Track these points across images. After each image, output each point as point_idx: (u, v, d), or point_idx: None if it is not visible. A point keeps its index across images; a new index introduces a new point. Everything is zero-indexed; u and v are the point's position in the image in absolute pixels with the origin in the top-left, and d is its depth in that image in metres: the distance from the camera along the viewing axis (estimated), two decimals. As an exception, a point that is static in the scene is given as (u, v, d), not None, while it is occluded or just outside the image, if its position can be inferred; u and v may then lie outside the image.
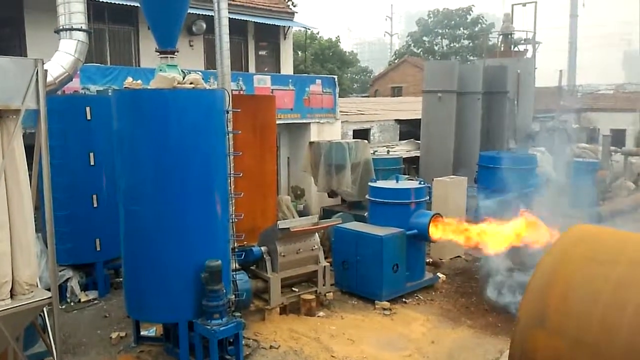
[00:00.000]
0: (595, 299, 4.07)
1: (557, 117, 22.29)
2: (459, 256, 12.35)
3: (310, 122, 15.75)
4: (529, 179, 12.85)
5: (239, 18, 15.52)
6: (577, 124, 25.40)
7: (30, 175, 5.42)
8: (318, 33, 41.12)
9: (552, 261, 4.48)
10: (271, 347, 7.89)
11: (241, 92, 13.41)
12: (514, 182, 11.69)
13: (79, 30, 7.37)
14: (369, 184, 10.82)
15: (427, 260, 11.36)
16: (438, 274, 10.99)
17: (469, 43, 45.11)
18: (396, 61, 44.41)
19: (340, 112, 17.42)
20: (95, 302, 9.64)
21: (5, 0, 11.96)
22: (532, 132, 19.10)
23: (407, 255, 9.82)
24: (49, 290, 5.49)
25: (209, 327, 6.91)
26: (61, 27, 7.53)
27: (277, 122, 12.85)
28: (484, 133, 16.49)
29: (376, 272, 9.50)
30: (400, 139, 20.79)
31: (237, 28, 15.68)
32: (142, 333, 8.01)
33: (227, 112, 7.58)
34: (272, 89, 14.55)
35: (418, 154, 17.20)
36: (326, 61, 38.31)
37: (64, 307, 9.16)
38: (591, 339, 4.00)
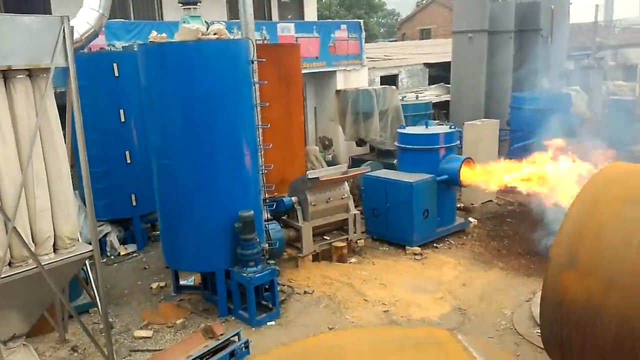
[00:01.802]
0: (628, 240, 4.01)
1: (593, 55, 21.36)
2: (490, 200, 12.26)
3: (336, 70, 15.51)
4: (563, 119, 12.49)
5: (260, -36, 15.13)
6: (613, 61, 24.32)
7: (63, 133, 5.54)
8: (343, -23, 39.92)
9: (584, 202, 4.40)
10: (305, 292, 8.11)
11: (265, 42, 13.22)
12: (547, 123, 11.39)
13: (103, -16, 7.35)
14: (398, 130, 10.71)
15: (458, 205, 11.32)
16: (469, 218, 10.97)
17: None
18: (424, 2, 42.89)
19: (367, 58, 17.05)
20: (135, 254, 10.00)
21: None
22: (567, 70, 18.40)
23: (437, 200, 9.79)
24: (90, 244, 5.71)
25: (244, 274, 7.12)
26: (84, -17, 7.50)
27: (303, 71, 12.70)
28: (516, 73, 15.95)
29: (406, 218, 9.54)
30: (429, 84, 20.35)
31: (259, -25, 15.33)
32: (181, 282, 8.32)
33: (252, 62, 7.52)
34: (296, 37, 14.29)
35: (448, 99, 16.84)
36: (352, 7, 37.32)
37: (104, 260, 9.53)
38: (623, 280, 3.97)
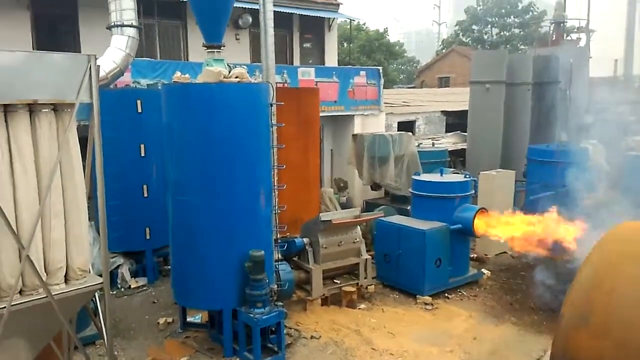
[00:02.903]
0: (644, 300, 3.93)
1: (612, 109, 21.34)
2: (505, 252, 12.11)
3: (354, 115, 15.74)
4: (580, 174, 12.42)
5: (284, 11, 15.61)
6: (632, 115, 24.24)
7: (83, 166, 5.68)
8: (364, 24, 40.89)
9: (598, 260, 4.35)
10: (312, 337, 8.00)
11: (285, 85, 13.52)
12: (564, 177, 11.33)
13: (130, 26, 7.64)
14: (413, 176, 10.74)
15: (472, 255, 11.21)
16: (482, 270, 10.83)
17: (520, 31, 43.82)
18: (444, 51, 43.65)
19: (385, 103, 17.30)
20: (145, 288, 10.01)
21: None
22: (585, 124, 18.38)
23: (450, 250, 9.71)
24: (100, 276, 5.76)
25: (252, 315, 7.07)
26: (113, 24, 7.82)
27: (321, 114, 12.92)
28: (533, 125, 16.00)
29: (418, 266, 9.45)
30: (446, 131, 20.47)
31: (282, 21, 15.80)
32: (188, 319, 8.29)
33: (272, 105, 7.69)
34: (316, 81, 14.60)
35: (465, 147, 16.90)
36: (373, 52, 38.05)
37: (114, 292, 9.57)
38: (637, 342, 3.87)
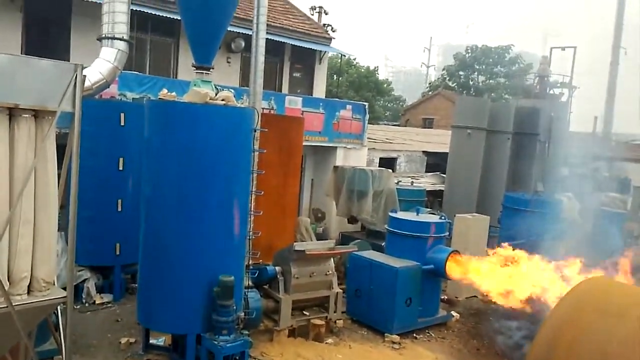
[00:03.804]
0: (602, 352, 3.98)
1: (589, 164, 21.88)
2: (475, 296, 12.14)
3: (337, 147, 15.86)
4: (553, 224, 12.63)
5: (277, 39, 15.81)
6: (608, 172, 24.87)
7: (59, 175, 5.59)
8: (355, 59, 41.53)
9: (563, 312, 4.41)
10: (276, 368, 7.86)
11: (272, 111, 13.61)
12: (537, 226, 11.51)
13: (120, 39, 7.64)
14: (389, 213, 10.79)
15: (442, 297, 11.20)
16: (452, 312, 10.82)
17: (505, 81, 44.93)
18: (430, 93, 44.48)
19: (369, 139, 17.48)
20: (109, 305, 9.76)
21: (56, 2, 12.44)
22: (562, 176, 18.78)
23: (421, 290, 9.70)
24: (65, 289, 5.60)
25: (216, 342, 6.93)
26: (104, 36, 7.82)
27: (305, 143, 12.99)
28: (511, 173, 16.30)
29: (388, 303, 9.41)
30: (426, 171, 20.72)
31: (274, 48, 15.99)
32: (151, 341, 8.07)
33: (255, 131, 7.71)
34: (303, 111, 14.72)
35: (443, 188, 17.09)
36: (361, 88, 38.59)
37: (78, 307, 9.30)
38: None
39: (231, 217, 7.33)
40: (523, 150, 16.44)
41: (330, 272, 9.29)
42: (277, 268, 8.91)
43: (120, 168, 9.77)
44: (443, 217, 10.53)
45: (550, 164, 17.50)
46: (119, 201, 9.82)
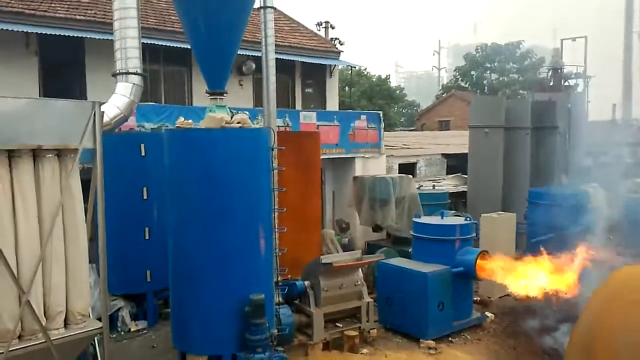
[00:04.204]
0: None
1: (611, 152, 21.52)
2: (508, 294, 11.96)
3: (355, 157, 15.88)
4: (581, 216, 12.43)
5: (286, 58, 15.99)
6: (631, 158, 24.40)
7: (85, 208, 5.75)
8: (366, 69, 41.71)
9: (598, 305, 4.34)
10: (313, 383, 7.85)
11: (287, 129, 13.73)
12: (564, 219, 11.34)
13: (135, 74, 7.84)
14: (413, 219, 10.76)
15: (475, 298, 11.08)
16: (486, 312, 10.69)
17: (518, 77, 44.54)
18: (443, 95, 44.32)
19: (386, 146, 17.47)
20: (145, 332, 9.89)
21: (69, 44, 12.83)
22: (585, 167, 18.50)
23: (453, 293, 9.62)
24: (100, 320, 5.73)
25: (251, 361, 6.97)
26: (118, 71, 8.03)
27: (322, 157, 13.06)
28: (533, 168, 16.12)
29: (421, 309, 9.35)
30: (447, 174, 20.59)
31: (285, 67, 16.17)
32: (187, 365, 8.14)
33: (273, 149, 7.81)
34: (318, 125, 14.80)
35: (465, 189, 16.97)
36: (374, 97, 38.68)
37: (114, 336, 9.44)
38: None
39: (256, 237, 7.39)
40: (543, 144, 16.26)
41: (359, 282, 9.28)
42: (306, 282, 8.94)
43: (145, 197, 9.95)
44: (468, 219, 10.45)
45: (572, 155, 17.27)
46: (146, 229, 9.99)
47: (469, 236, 10.09)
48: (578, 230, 11.01)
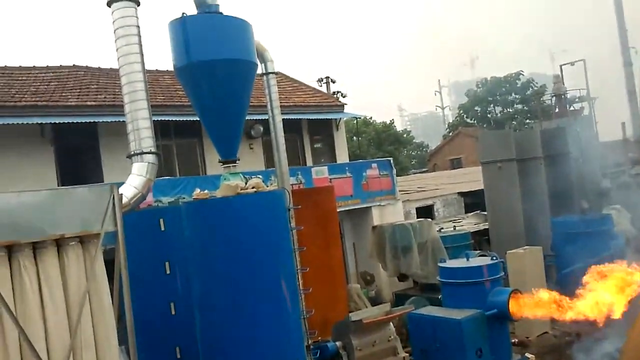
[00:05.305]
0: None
1: (628, 171, 21.28)
2: (546, 332, 11.58)
3: (371, 206, 15.84)
4: (609, 241, 12.18)
5: (293, 118, 16.28)
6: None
7: (111, 291, 5.73)
8: (371, 118, 42.27)
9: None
10: None
11: (300, 186, 13.81)
12: (593, 246, 11.12)
13: (149, 153, 7.99)
14: (439, 264, 10.58)
15: (513, 340, 10.71)
16: (526, 354, 10.31)
17: (523, 107, 44.79)
18: (450, 134, 44.57)
19: (401, 191, 17.45)
20: (178, 411, 9.61)
21: (83, 131, 13.22)
22: (604, 189, 18.26)
23: (489, 337, 9.31)
24: (133, 404, 5.60)
25: None
26: (132, 153, 8.20)
27: (338, 209, 13.03)
28: (552, 197, 15.92)
29: (458, 358, 9.04)
30: (465, 212, 20.40)
31: (292, 126, 16.44)
32: None
33: (289, 210, 7.82)
34: (330, 178, 14.88)
35: (487, 226, 16.75)
36: (382, 143, 39.00)
37: (148, 419, 9.19)
38: None
39: (282, 301, 7.29)
40: (558, 172, 16.13)
41: (392, 337, 9.05)
42: (338, 343, 8.74)
43: (167, 272, 9.91)
44: (494, 257, 10.26)
45: (588, 179, 17.08)
46: (172, 304, 9.89)
47: (498, 276, 9.87)
48: (609, 256, 10.76)
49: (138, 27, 6.76)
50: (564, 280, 10.65)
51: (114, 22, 6.70)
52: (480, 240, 16.61)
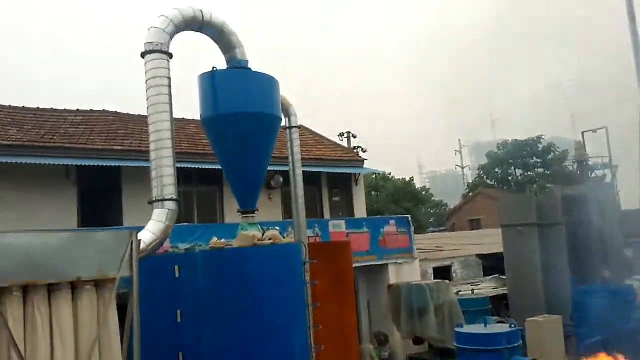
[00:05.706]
0: None
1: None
2: (566, 405, 11.07)
3: (387, 263, 15.61)
4: (631, 312, 11.77)
5: (313, 170, 16.41)
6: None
7: (121, 337, 5.67)
8: (390, 174, 42.39)
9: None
10: None
11: (317, 239, 13.73)
12: (614, 318, 10.75)
13: (170, 200, 8.11)
14: (455, 329, 10.30)
15: (532, 411, 10.26)
16: None
17: (544, 171, 44.55)
18: (470, 194, 44.33)
19: (418, 249, 17.21)
20: None
21: (107, 174, 13.49)
22: (627, 259, 17.81)
23: (509, 407, 8.95)
24: None
25: None
26: (154, 199, 8.32)
27: (354, 265, 12.87)
28: (573, 265, 15.55)
29: None
30: (484, 275, 19.98)
31: (311, 178, 16.53)
32: None
33: (305, 264, 7.77)
34: (347, 233, 14.78)
35: (505, 291, 16.35)
36: (401, 200, 38.90)
37: None
38: None
39: (294, 357, 7.14)
40: (579, 239, 15.82)
41: (404, 401, 8.71)
42: (348, 405, 8.43)
43: (179, 320, 9.79)
44: (513, 325, 9.96)
45: (611, 248, 16.70)
46: (180, 354, 9.70)
47: (517, 344, 9.56)
48: (631, 328, 10.39)
49: (169, 78, 6.98)
50: (585, 352, 10.24)
51: (146, 72, 6.93)
52: (498, 306, 16.17)
